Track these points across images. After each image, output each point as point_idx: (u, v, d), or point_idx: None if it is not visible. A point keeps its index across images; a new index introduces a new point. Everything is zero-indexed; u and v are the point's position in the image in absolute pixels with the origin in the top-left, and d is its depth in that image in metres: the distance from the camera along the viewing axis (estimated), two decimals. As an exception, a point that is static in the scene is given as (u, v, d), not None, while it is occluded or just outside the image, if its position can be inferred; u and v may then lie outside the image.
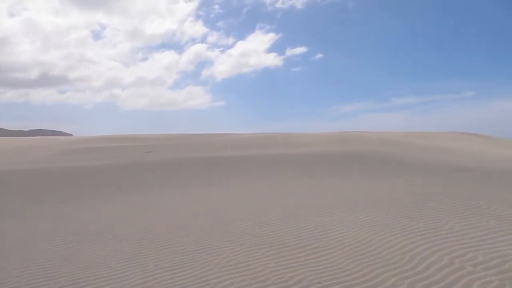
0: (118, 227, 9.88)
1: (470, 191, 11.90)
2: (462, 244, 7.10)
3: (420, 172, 17.10)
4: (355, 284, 5.70)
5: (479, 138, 59.07)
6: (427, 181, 14.34)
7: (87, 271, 6.93)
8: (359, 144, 36.07)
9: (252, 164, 22.79)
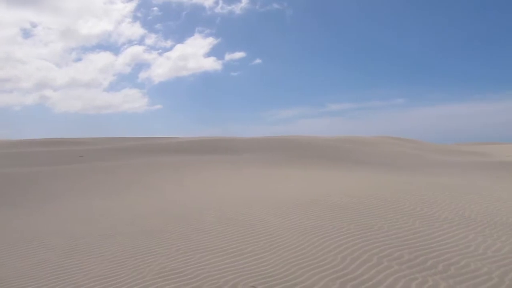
0: (46, 235, 9.40)
1: (398, 194, 12.48)
2: (390, 244, 7.42)
3: (351, 175, 17.71)
4: (289, 287, 5.78)
5: (407, 143, 62.14)
6: (359, 184, 14.87)
7: (11, 284, 6.51)
8: (294, 148, 36.77)
9: (189, 168, 22.57)
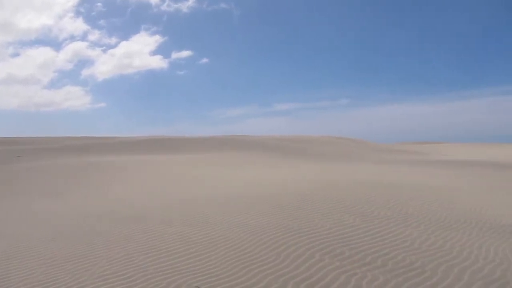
0: (-22, 240, 8.91)
1: (339, 192, 12.84)
2: (332, 241, 7.65)
3: (293, 173, 18.02)
4: (232, 286, 5.82)
5: (351, 143, 64.02)
6: (302, 182, 15.17)
7: None
8: (242, 147, 36.93)
9: (135, 168, 22.11)
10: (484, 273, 6.39)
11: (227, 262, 6.70)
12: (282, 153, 32.84)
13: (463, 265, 6.71)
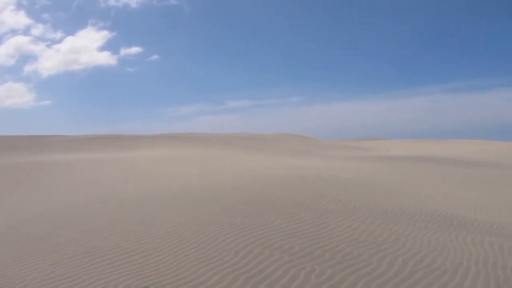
0: None
1: (289, 188, 12.98)
2: (282, 236, 7.71)
3: (247, 170, 18.05)
4: (182, 284, 5.75)
5: (303, 139, 65.00)
6: (253, 179, 15.22)
7: None
8: (193, 144, 36.59)
9: (81, 167, 21.37)
10: (426, 262, 6.67)
11: (177, 261, 6.61)
12: (236, 150, 32.82)
13: (407, 255, 6.97)
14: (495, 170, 23.22)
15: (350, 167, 21.00)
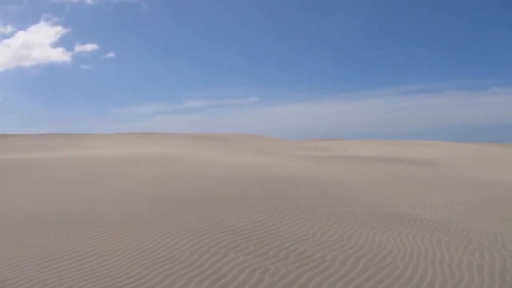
0: None
1: (243, 187, 13.03)
2: (237, 237, 7.72)
3: (201, 171, 17.95)
4: (136, 287, 5.63)
5: (262, 140, 65.32)
6: (206, 179, 15.16)
7: None
8: (150, 144, 36.03)
9: (32, 168, 20.57)
10: (377, 260, 6.85)
11: (130, 263, 6.47)
12: (192, 149, 32.53)
13: (359, 253, 7.13)
14: (445, 169, 24.15)
15: (306, 167, 21.29)
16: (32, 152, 30.22)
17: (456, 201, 12.90)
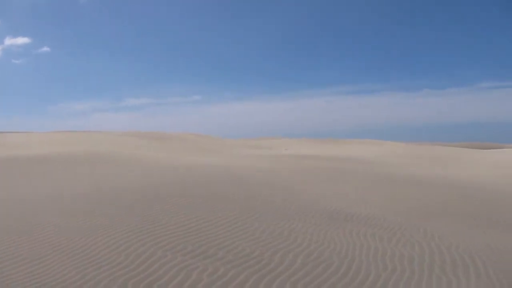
0: None
1: (188, 187, 12.86)
2: (176, 237, 7.59)
3: (140, 170, 17.56)
4: (65, 292, 5.39)
5: (204, 139, 64.87)
6: (144, 178, 14.84)
7: None
8: (89, 144, 34.72)
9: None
10: (314, 256, 6.98)
11: (63, 267, 6.18)
12: (131, 149, 31.72)
13: (298, 250, 7.24)
14: (381, 167, 25.12)
15: (247, 165, 21.37)
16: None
17: (391, 197, 13.43)
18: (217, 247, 7.12)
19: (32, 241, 7.48)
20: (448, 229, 9.38)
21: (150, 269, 6.10)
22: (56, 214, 9.38)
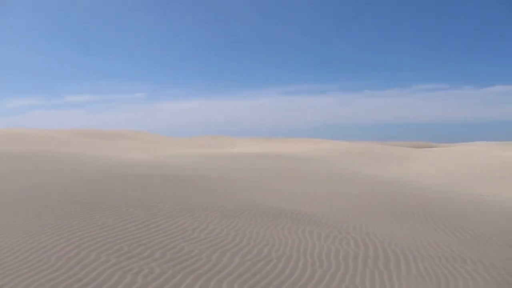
0: None
1: (128, 186, 12.56)
2: (112, 238, 7.37)
3: (75, 170, 16.98)
4: (-12, 299, 5.09)
5: (149, 137, 63.60)
6: (83, 178, 14.36)
7: None
8: (27, 143, 33.08)
9: None
10: (253, 254, 7.02)
11: (-16, 273, 5.82)
12: (70, 146, 30.55)
13: (236, 248, 7.24)
14: (323, 165, 25.72)
15: (192, 164, 21.18)
16: None
17: (331, 195, 13.77)
18: (155, 248, 6.99)
19: (-46, 245, 7.01)
20: (382, 225, 9.74)
21: (82, 272, 5.88)
22: (-17, 216, 8.85)
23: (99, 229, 7.88)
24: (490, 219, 11.37)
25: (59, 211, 9.18)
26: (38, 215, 8.81)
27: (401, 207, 12.17)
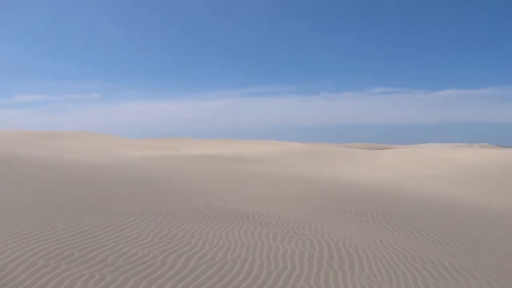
0: None
1: (81, 188, 12.19)
2: (62, 243, 7.12)
3: (28, 173, 16.35)
4: None
5: (103, 138, 61.96)
6: (36, 182, 13.84)
7: None
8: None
9: None
10: (208, 257, 6.97)
11: None
12: (18, 149, 29.32)
13: (191, 252, 7.17)
14: (279, 166, 25.94)
15: (148, 166, 20.85)
16: None
17: (287, 196, 13.90)
18: (108, 253, 6.81)
19: None
20: (338, 225, 9.92)
21: (29, 280, 5.64)
22: None
23: (48, 234, 7.59)
24: (435, 217, 11.81)
25: (20, 218, 8.77)
26: (-18, 221, 8.39)
27: (357, 207, 12.45)
